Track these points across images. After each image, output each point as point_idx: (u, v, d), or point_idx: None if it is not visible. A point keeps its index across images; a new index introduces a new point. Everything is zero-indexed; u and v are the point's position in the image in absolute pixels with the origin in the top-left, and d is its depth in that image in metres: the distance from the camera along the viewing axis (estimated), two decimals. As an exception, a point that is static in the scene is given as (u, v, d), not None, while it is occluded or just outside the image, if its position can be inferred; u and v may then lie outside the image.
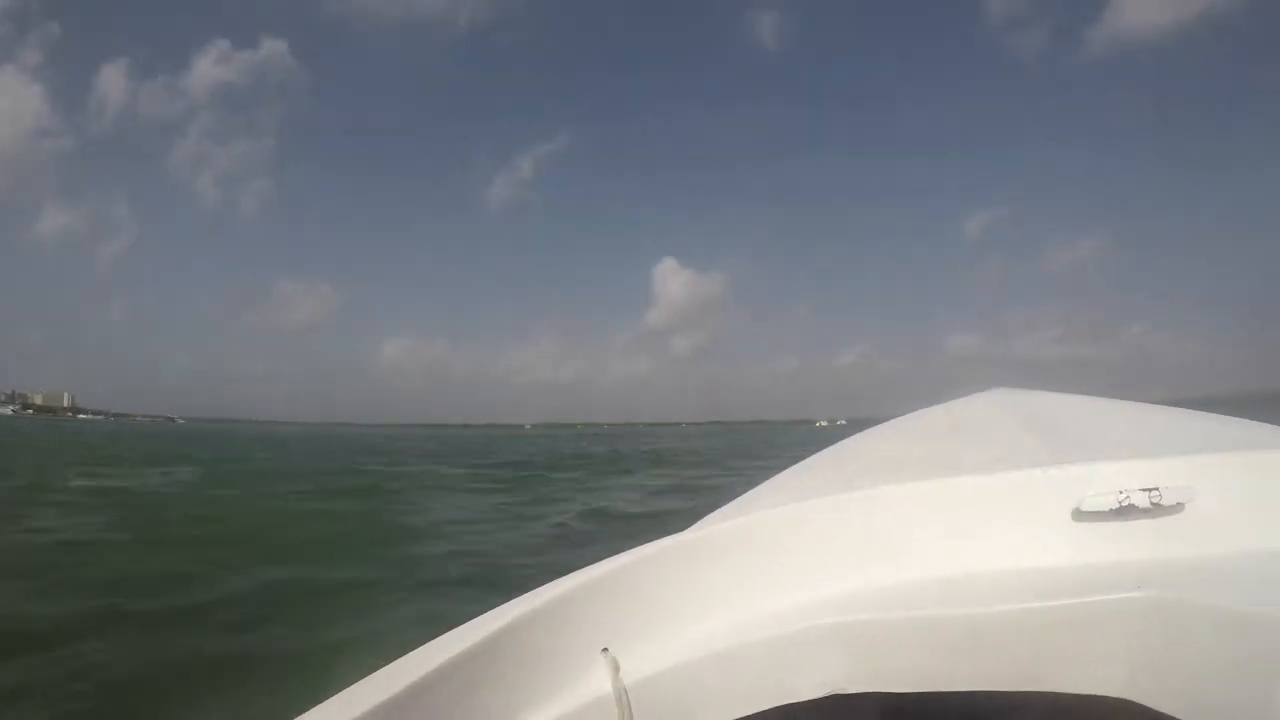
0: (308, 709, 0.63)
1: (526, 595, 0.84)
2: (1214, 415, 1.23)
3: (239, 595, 5.15)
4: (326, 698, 0.64)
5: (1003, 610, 0.79)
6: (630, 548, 0.95)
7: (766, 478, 1.39)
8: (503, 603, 0.84)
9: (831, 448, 1.51)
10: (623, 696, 0.77)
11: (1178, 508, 0.89)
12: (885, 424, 1.63)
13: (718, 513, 1.14)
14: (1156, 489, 0.88)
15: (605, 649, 0.82)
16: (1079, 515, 0.92)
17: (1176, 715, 0.69)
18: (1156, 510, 0.89)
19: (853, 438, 1.55)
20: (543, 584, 0.87)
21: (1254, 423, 1.15)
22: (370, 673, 0.69)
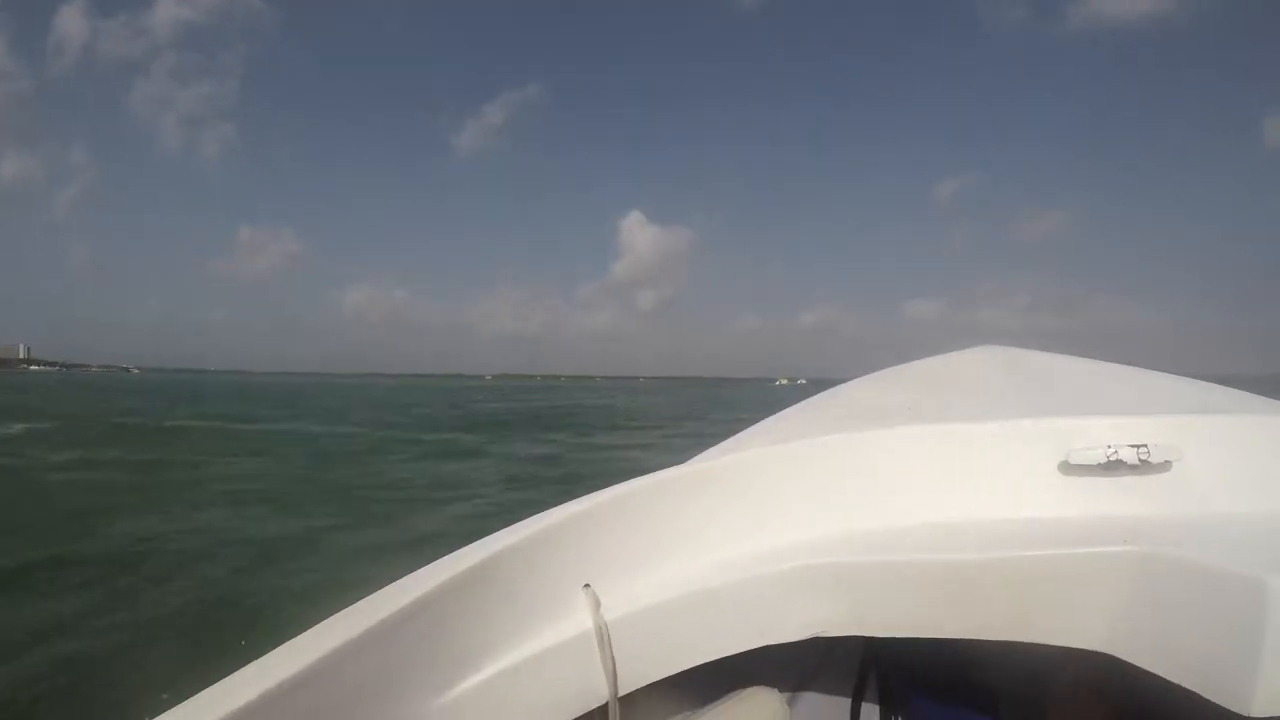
0: (282, 641, 0.62)
1: (507, 529, 0.84)
2: (1202, 382, 1.23)
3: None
4: (304, 629, 0.64)
5: (987, 558, 0.78)
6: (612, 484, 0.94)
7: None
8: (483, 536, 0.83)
9: (823, 394, 1.49)
10: (604, 633, 0.77)
11: (1165, 466, 0.89)
12: (876, 373, 1.60)
13: (708, 452, 1.11)
14: (1145, 446, 0.88)
15: (587, 585, 0.81)
16: (1066, 468, 0.92)
17: (1156, 671, 0.68)
18: (1144, 467, 0.89)
19: (843, 385, 1.53)
20: (524, 518, 0.86)
21: (1240, 392, 1.15)
22: (345, 607, 0.68)
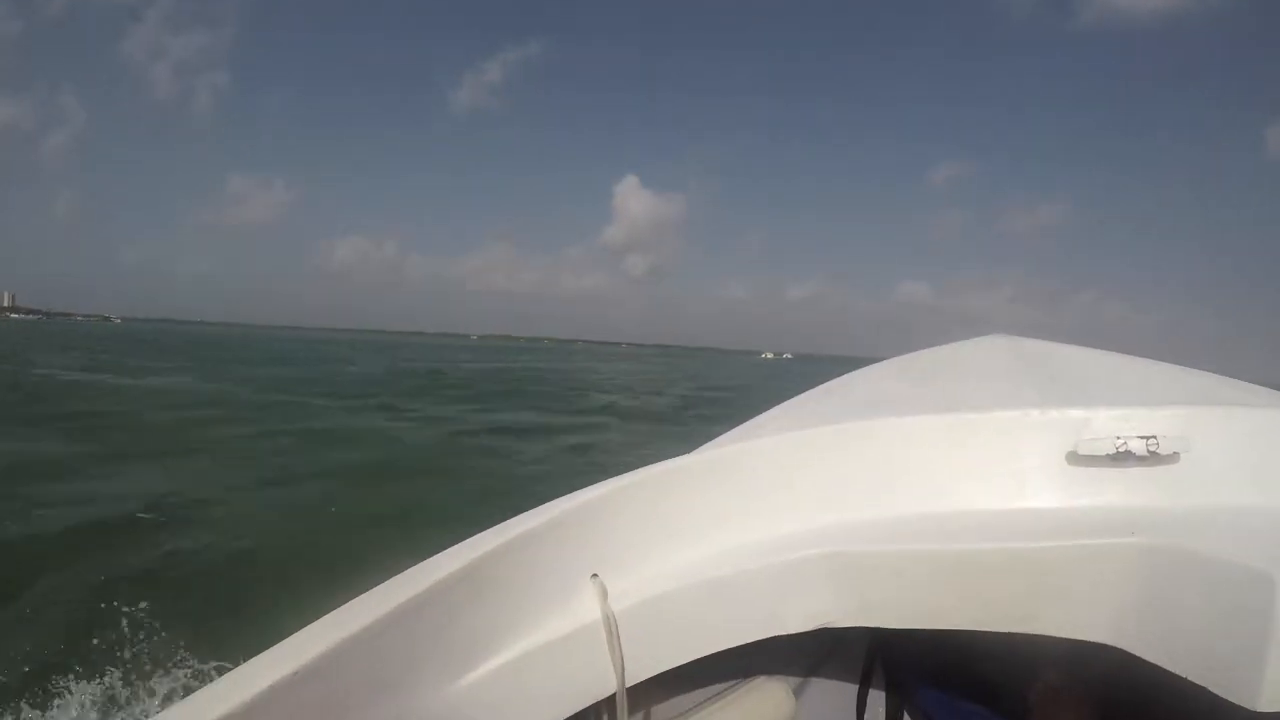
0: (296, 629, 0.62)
1: (517, 518, 0.83)
2: (1211, 374, 1.22)
3: None
4: (315, 618, 0.64)
5: (995, 548, 0.78)
6: (623, 472, 0.93)
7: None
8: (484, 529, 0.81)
9: (829, 383, 1.47)
10: (611, 622, 0.77)
11: (1173, 457, 0.89)
12: (885, 361, 1.59)
13: (715, 440, 1.11)
14: (1154, 437, 0.88)
15: (595, 575, 0.82)
16: (1074, 458, 0.92)
17: (1161, 664, 0.67)
18: (1152, 459, 0.88)
19: (851, 374, 1.52)
20: (534, 507, 0.86)
21: (1247, 384, 1.15)
22: (350, 599, 0.67)
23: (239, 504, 5.63)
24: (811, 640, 0.86)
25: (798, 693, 1.03)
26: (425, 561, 0.75)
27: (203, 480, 6.44)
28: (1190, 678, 0.65)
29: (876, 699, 1.12)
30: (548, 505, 0.86)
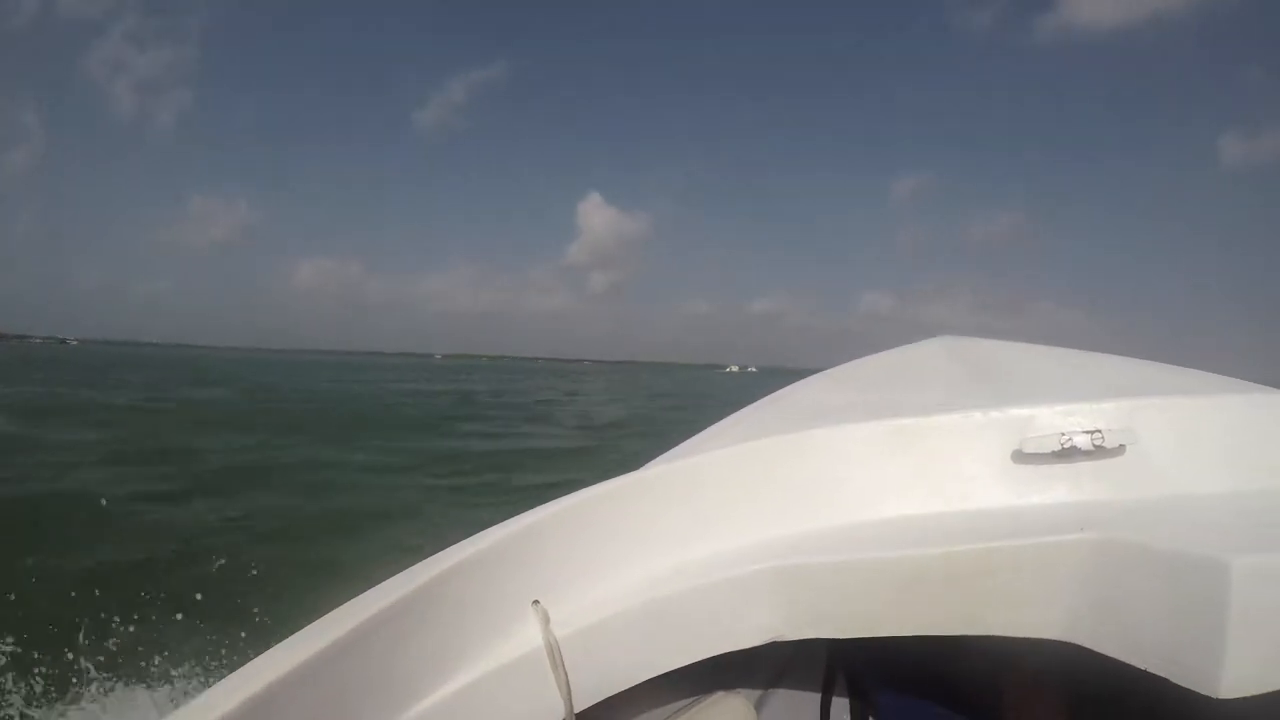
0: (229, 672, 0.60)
1: (454, 546, 0.82)
2: (1153, 363, 1.22)
3: None
4: (250, 659, 0.62)
5: (944, 552, 0.77)
6: (560, 495, 0.91)
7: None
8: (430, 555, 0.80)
9: (775, 393, 1.46)
10: (555, 649, 0.76)
11: (1119, 450, 0.89)
12: (829, 370, 1.56)
13: (662, 456, 1.10)
14: (1099, 431, 0.88)
15: (536, 601, 0.80)
16: (1020, 457, 0.92)
17: (1120, 657, 0.67)
18: (1098, 453, 0.88)
19: (795, 384, 1.51)
20: (472, 534, 0.84)
21: (1191, 370, 1.15)
22: (287, 635, 0.66)
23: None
24: (770, 652, 0.84)
25: (759, 705, 1.02)
26: (359, 596, 0.74)
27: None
28: (1150, 669, 0.64)
29: (840, 706, 1.09)
30: (486, 532, 0.84)
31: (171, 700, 2.93)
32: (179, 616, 3.52)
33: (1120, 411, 0.93)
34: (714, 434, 1.23)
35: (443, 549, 0.82)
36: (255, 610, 3.62)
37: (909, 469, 0.95)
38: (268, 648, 0.65)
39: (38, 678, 2.97)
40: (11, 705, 2.89)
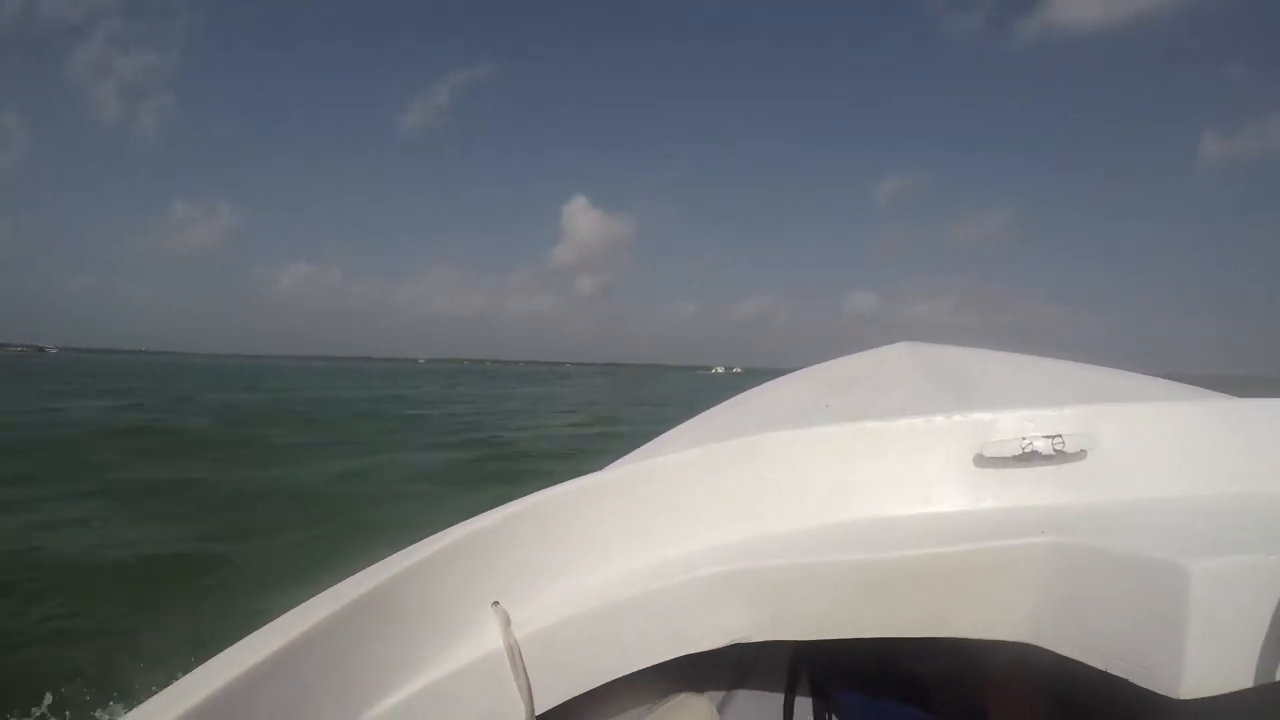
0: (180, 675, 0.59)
1: (412, 547, 0.81)
2: (1114, 370, 1.22)
3: None
4: (202, 660, 0.61)
5: (905, 556, 0.77)
6: (519, 496, 0.91)
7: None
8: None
9: (737, 396, 1.47)
10: (515, 651, 0.75)
11: (1080, 455, 0.90)
12: (792, 374, 1.57)
13: (626, 457, 1.10)
14: (1059, 436, 0.89)
15: (496, 602, 0.80)
16: (981, 461, 0.92)
17: (1077, 658, 0.68)
18: (1059, 457, 0.89)
19: (759, 387, 1.51)
20: (429, 535, 0.83)
21: (1150, 377, 1.17)
22: (241, 636, 0.65)
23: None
24: (733, 653, 0.84)
25: (722, 707, 1.02)
26: (314, 598, 0.72)
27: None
28: (1111, 671, 0.65)
29: (804, 706, 1.08)
30: (445, 532, 0.84)
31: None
32: None
33: (1081, 417, 0.94)
34: (677, 435, 1.25)
35: (401, 549, 0.82)
36: None
37: (871, 472, 0.96)
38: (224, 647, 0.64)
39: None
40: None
